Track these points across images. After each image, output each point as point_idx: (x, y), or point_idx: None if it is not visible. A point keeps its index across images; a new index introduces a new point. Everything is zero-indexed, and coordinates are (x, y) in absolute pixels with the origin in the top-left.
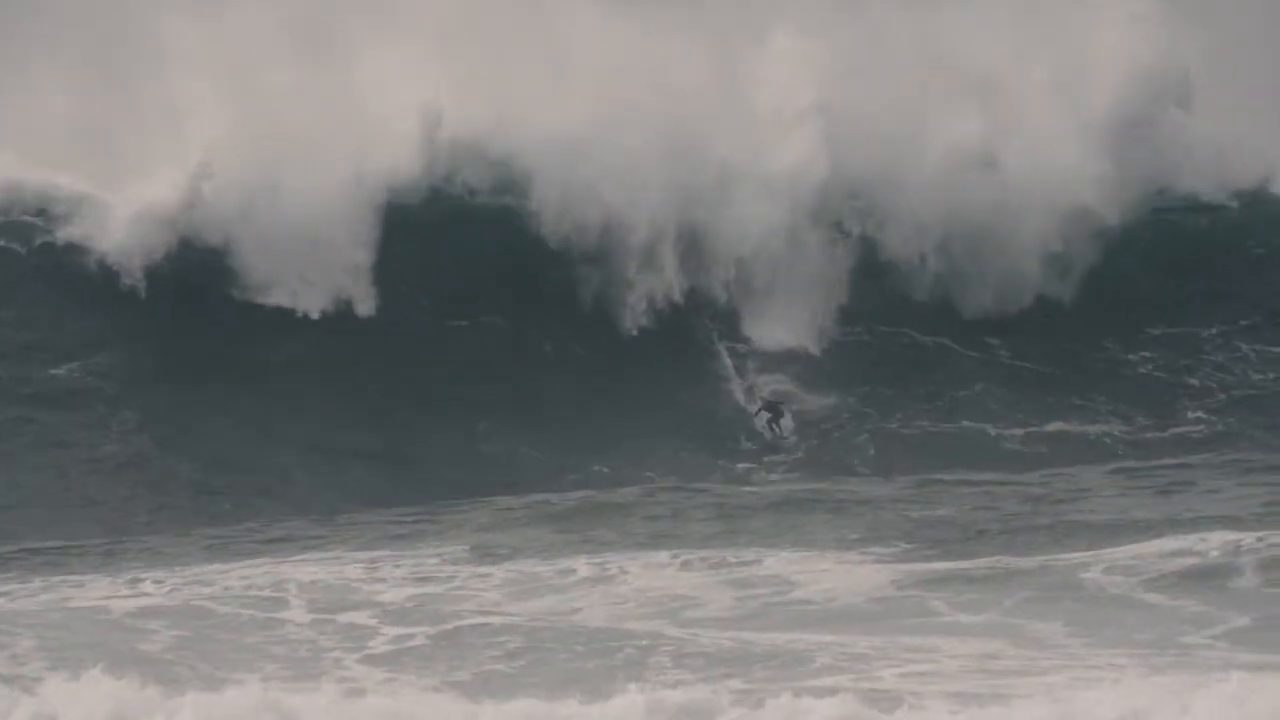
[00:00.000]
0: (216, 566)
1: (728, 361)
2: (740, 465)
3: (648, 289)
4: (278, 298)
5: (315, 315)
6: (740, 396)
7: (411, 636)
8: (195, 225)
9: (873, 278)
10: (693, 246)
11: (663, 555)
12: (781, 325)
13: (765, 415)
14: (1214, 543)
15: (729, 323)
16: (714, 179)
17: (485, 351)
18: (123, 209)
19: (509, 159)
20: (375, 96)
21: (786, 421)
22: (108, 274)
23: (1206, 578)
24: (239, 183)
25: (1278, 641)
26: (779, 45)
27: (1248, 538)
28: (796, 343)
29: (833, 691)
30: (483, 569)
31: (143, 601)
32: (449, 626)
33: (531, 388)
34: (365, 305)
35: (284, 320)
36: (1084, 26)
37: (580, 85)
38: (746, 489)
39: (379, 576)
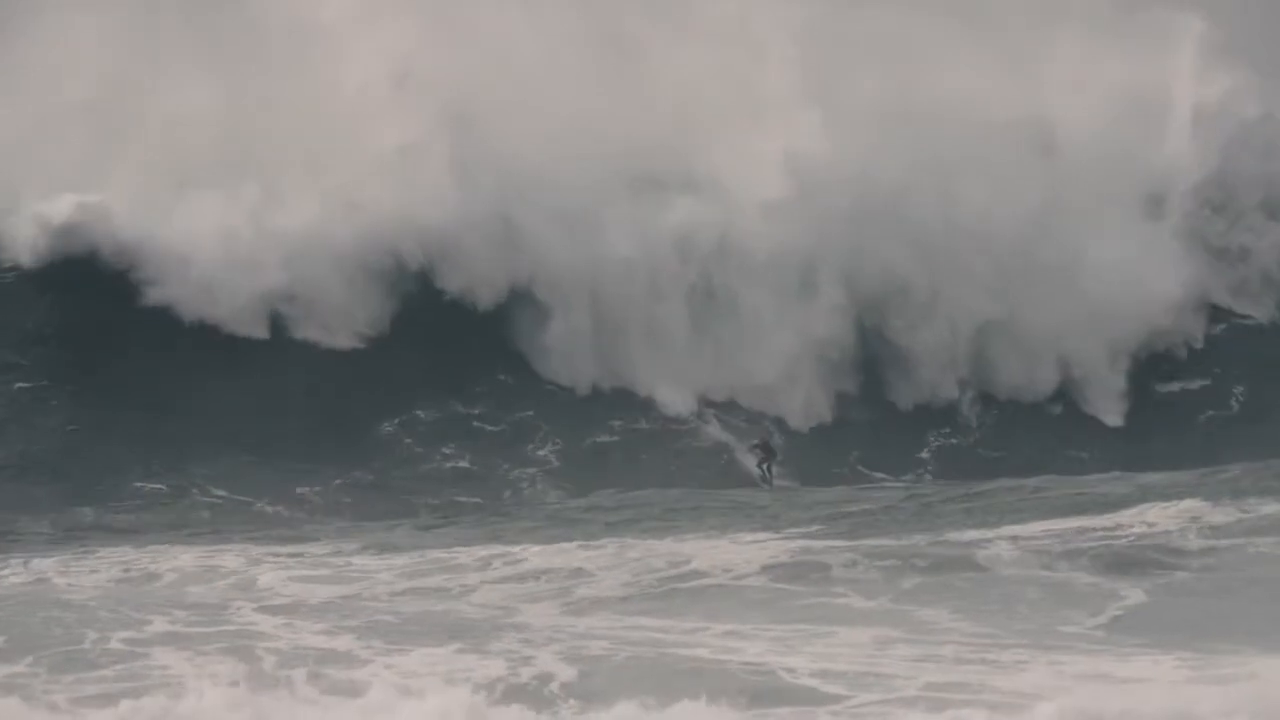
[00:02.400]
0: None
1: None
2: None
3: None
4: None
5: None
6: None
7: (310, 596)
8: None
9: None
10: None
11: (568, 544)
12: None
13: (758, 456)
14: (1115, 521)
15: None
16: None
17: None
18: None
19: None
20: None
21: (778, 464)
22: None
23: (1102, 556)
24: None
25: (1159, 626)
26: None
27: (1151, 515)
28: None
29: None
30: (377, 559)
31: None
32: (343, 593)
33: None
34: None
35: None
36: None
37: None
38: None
39: (266, 562)
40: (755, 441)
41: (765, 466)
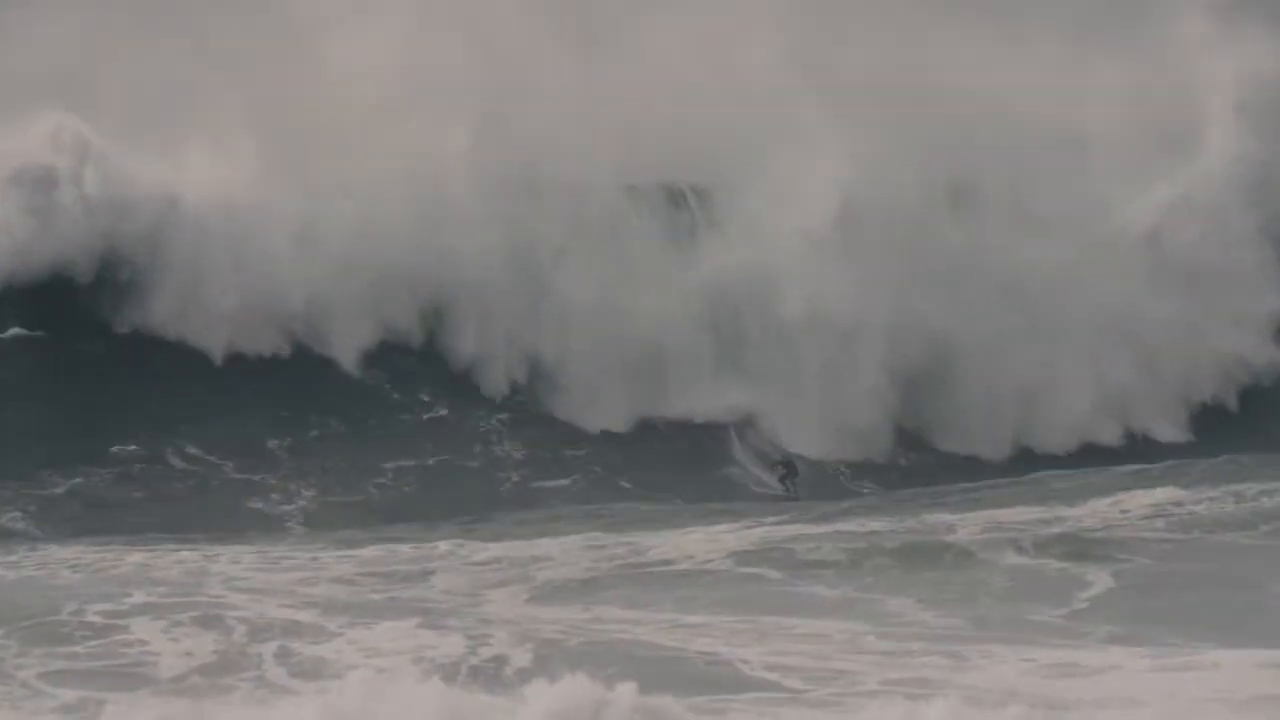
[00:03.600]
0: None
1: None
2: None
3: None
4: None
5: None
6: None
7: (274, 579)
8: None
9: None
10: None
11: (537, 540)
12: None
13: (780, 471)
14: (1088, 509)
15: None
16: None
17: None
18: None
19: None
20: None
21: (801, 479)
22: None
23: (1075, 543)
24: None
25: (1128, 616)
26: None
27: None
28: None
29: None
30: (340, 553)
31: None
32: (304, 574)
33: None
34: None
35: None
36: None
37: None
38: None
39: (223, 557)
40: (778, 459)
41: (788, 481)
